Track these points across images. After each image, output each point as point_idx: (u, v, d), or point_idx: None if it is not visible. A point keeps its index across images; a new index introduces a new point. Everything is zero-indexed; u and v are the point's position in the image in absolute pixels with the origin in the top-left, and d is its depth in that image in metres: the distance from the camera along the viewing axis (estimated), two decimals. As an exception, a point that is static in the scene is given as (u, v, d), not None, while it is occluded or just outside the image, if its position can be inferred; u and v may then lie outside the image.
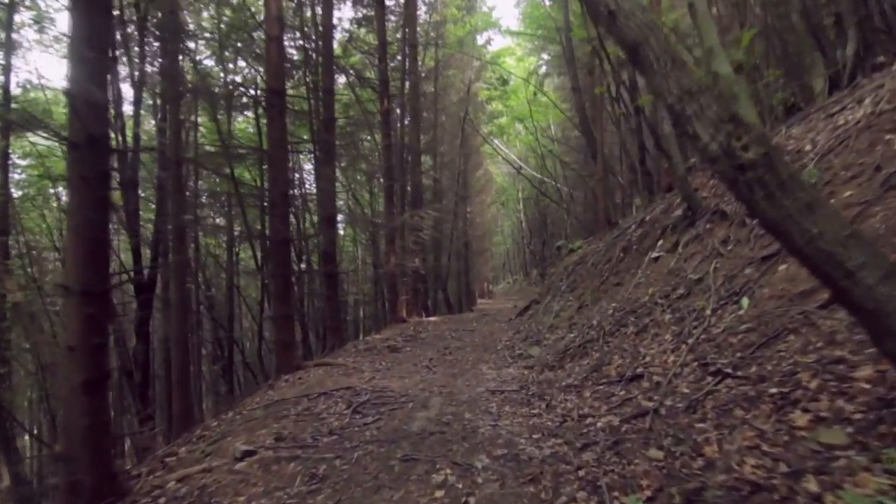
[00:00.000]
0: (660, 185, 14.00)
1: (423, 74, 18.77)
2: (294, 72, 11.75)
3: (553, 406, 3.82)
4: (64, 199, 18.22)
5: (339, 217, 24.61)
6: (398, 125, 16.04)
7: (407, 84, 16.11)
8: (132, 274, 11.48)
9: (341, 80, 16.57)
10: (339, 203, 23.10)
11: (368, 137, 17.41)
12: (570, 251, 13.96)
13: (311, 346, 15.01)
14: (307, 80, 11.93)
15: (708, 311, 3.67)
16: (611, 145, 16.49)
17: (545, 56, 26.48)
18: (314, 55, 11.42)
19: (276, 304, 6.93)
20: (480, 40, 25.50)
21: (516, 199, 36.39)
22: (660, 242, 5.54)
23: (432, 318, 13.64)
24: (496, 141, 28.58)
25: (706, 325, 3.55)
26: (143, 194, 14.06)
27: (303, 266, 17.29)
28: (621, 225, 9.20)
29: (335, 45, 17.82)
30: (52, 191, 18.19)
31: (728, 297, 3.65)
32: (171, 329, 5.36)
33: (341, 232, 26.56)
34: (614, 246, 7.64)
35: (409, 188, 15.64)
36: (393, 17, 16.94)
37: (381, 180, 14.64)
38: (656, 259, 5.36)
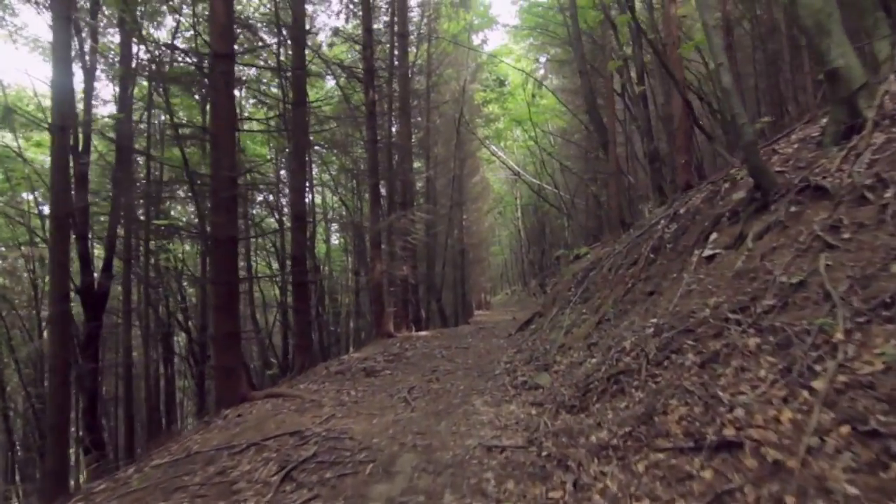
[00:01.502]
0: (675, 182, 12.72)
1: (413, 72, 17.57)
2: (261, 50, 10.37)
3: (585, 487, 2.39)
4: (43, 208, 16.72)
5: (330, 223, 23.33)
6: (386, 121, 14.71)
7: (395, 76, 14.86)
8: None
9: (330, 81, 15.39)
10: (321, 202, 21.80)
11: (355, 136, 16.15)
12: (576, 258, 12.60)
13: (289, 367, 13.49)
14: (277, 59, 10.55)
15: (838, 335, 2.26)
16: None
17: (542, 59, 25.44)
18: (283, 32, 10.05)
19: (217, 319, 5.49)
20: (476, 40, 24.38)
21: (514, 208, 35.19)
22: (713, 236, 4.14)
23: (423, 333, 12.18)
24: (493, 146, 27.42)
25: (843, 359, 2.14)
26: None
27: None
28: (641, 223, 7.82)
29: (321, 41, 16.67)
30: (27, 196, 16.74)
31: (871, 312, 2.25)
32: (50, 351, 3.96)
33: (335, 241, 25.14)
34: (638, 246, 6.25)
35: (398, 188, 14.27)
36: (384, 17, 15.73)
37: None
38: (710, 258, 3.96)
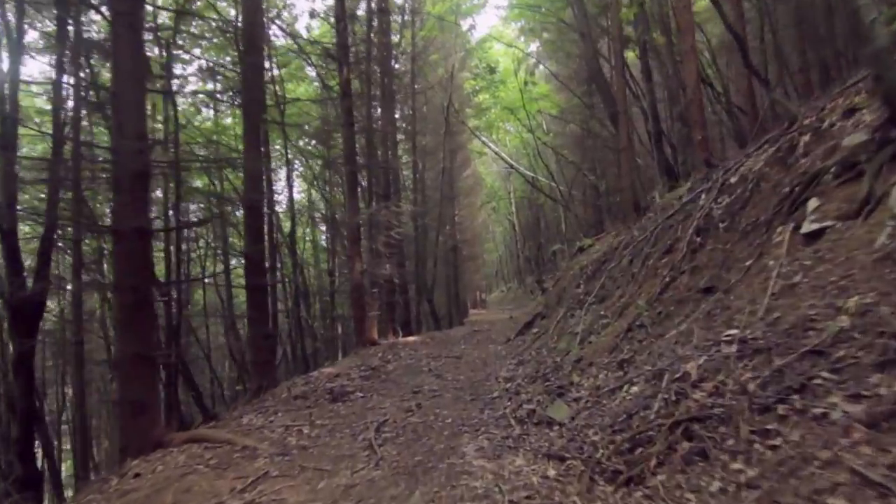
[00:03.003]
0: (686, 164, 11.49)
1: (397, 55, 16.23)
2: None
3: None
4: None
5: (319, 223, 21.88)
6: (366, 104, 13.28)
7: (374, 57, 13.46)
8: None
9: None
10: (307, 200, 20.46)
11: (336, 130, 14.72)
12: (580, 250, 11.29)
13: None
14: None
15: None
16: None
17: (533, 47, 24.20)
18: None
19: (120, 337, 4.12)
20: (464, 26, 23.04)
21: (508, 202, 33.98)
22: (812, 203, 2.81)
23: (410, 339, 10.80)
24: (485, 137, 26.14)
25: None
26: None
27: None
28: (667, 203, 6.50)
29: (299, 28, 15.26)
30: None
31: None
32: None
33: (323, 242, 23.64)
34: (670, 230, 4.92)
35: (379, 178, 12.90)
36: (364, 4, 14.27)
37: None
38: (813, 235, 2.64)
